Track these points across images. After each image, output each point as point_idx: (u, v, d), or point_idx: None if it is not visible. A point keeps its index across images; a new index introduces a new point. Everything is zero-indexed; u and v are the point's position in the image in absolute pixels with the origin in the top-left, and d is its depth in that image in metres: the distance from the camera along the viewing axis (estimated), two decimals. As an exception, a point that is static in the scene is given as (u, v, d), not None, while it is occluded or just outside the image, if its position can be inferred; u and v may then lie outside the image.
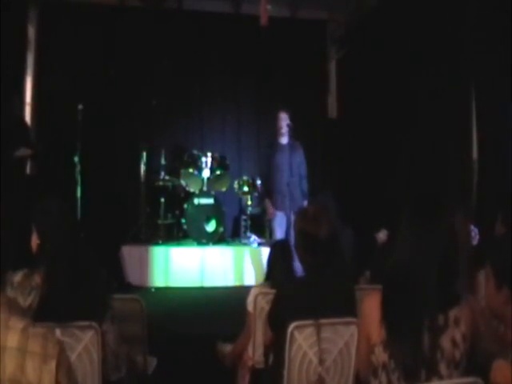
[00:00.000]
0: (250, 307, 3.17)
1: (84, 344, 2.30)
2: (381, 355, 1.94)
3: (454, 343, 1.90)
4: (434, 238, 1.94)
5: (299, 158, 6.34)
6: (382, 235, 4.40)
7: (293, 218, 4.91)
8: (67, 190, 6.14)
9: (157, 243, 6.99)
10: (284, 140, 6.31)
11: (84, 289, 2.34)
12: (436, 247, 1.93)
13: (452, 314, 1.92)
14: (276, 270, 3.30)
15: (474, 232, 3.19)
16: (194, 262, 6.84)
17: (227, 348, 3.45)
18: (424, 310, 1.91)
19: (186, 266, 6.81)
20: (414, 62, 5.98)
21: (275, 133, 6.44)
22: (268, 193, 6.39)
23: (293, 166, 6.12)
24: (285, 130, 6.20)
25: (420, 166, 5.83)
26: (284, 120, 6.23)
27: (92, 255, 2.46)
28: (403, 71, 6.24)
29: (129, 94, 7.64)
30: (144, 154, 7.10)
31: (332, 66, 8.62)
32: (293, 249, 2.77)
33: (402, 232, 2.01)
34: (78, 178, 6.21)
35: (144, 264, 6.70)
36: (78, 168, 6.22)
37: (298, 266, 3.64)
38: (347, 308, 2.54)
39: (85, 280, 2.36)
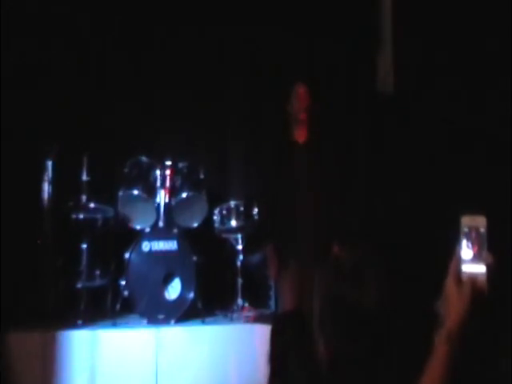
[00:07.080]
0: None
1: None
2: None
3: None
4: None
5: (327, 166, 6.49)
6: None
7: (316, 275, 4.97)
8: None
9: (75, 325, 6.76)
10: (301, 136, 6.48)
11: None
12: None
13: None
14: (290, 365, 3.43)
15: None
16: (142, 354, 6.66)
17: None
18: None
19: (129, 362, 6.61)
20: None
21: (286, 123, 6.57)
22: (273, 233, 6.53)
23: (315, 183, 6.33)
24: (303, 116, 6.43)
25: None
26: (304, 100, 6.45)
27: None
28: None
29: (23, 61, 7.56)
30: (49, 163, 6.90)
31: (386, 5, 8.57)
32: (315, 326, 2.70)
33: None
34: None
35: (50, 363, 6.49)
36: None
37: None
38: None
39: None
